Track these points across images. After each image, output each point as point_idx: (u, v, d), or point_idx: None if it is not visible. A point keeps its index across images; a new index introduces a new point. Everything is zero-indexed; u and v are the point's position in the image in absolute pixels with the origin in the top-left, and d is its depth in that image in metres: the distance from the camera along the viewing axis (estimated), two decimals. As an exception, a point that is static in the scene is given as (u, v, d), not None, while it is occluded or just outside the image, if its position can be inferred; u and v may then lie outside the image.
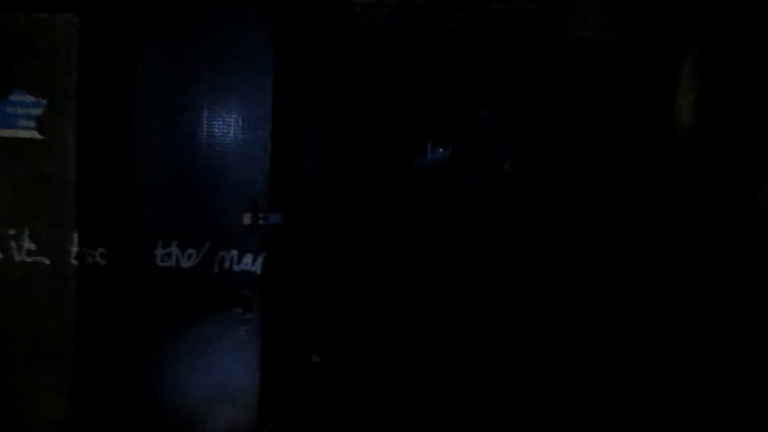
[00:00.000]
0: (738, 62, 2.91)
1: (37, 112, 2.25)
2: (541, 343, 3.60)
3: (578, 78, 3.75)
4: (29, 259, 2.31)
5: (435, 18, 3.88)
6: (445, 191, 3.89)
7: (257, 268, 2.51)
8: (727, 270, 2.80)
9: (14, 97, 2.25)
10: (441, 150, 3.95)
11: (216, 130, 2.42)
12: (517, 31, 3.73)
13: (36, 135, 2.26)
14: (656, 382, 3.08)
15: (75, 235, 2.30)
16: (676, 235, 3.31)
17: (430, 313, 3.75)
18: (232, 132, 2.44)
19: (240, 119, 2.44)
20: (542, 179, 3.78)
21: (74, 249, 2.30)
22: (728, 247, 2.81)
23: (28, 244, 2.30)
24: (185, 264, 2.44)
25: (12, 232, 2.30)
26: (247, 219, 2.46)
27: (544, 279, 3.73)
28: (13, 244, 2.30)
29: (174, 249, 2.41)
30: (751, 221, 2.67)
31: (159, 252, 2.40)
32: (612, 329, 3.49)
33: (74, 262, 2.31)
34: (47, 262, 2.32)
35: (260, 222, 2.48)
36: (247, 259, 2.50)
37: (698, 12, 3.33)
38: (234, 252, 2.48)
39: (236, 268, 2.49)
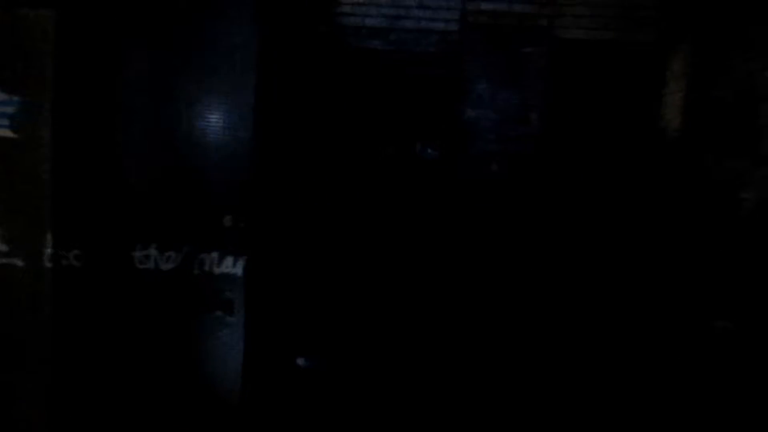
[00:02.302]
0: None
1: (10, 110, 2.18)
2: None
3: (570, 77, 3.74)
4: (2, 261, 2.25)
5: (426, 18, 3.84)
6: (427, 190, 3.87)
7: (239, 270, 2.46)
8: (716, 263, 2.80)
9: (-13, 95, 2.19)
10: (429, 150, 3.91)
11: (197, 131, 2.37)
12: (511, 32, 3.70)
13: (8, 133, 2.19)
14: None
15: (49, 237, 2.24)
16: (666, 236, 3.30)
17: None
18: (213, 132, 2.38)
19: (222, 120, 2.39)
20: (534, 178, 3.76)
21: (48, 250, 2.24)
22: (716, 243, 2.82)
23: (1, 246, 2.24)
24: (165, 266, 2.39)
25: (-16, 233, 2.24)
26: (227, 221, 2.41)
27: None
28: (-15, 245, 2.24)
29: (152, 251, 2.36)
30: (736, 218, 2.66)
31: (137, 254, 2.36)
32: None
33: (48, 264, 2.25)
34: (20, 263, 2.25)
35: (241, 224, 2.43)
36: (229, 261, 2.45)
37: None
38: (215, 254, 2.43)
39: (217, 270, 2.45)
